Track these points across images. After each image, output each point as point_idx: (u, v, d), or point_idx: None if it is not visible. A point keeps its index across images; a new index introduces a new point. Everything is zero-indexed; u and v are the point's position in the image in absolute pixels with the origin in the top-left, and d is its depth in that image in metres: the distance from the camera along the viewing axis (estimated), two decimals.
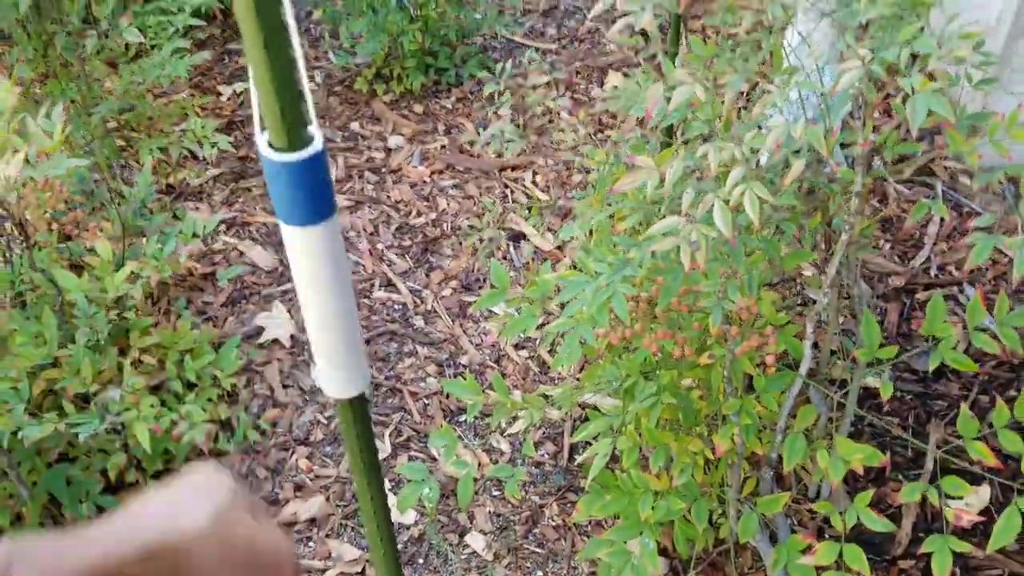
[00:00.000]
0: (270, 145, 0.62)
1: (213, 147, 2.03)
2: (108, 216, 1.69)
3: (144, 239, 1.71)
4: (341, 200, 2.34)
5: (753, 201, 0.85)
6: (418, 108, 2.61)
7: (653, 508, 1.16)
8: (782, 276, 1.68)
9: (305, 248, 0.65)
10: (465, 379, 1.38)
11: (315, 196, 0.63)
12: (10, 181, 1.30)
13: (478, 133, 2.51)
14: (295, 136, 0.60)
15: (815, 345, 1.17)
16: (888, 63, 0.87)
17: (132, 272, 1.55)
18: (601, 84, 2.65)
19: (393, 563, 0.93)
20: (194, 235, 1.71)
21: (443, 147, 2.47)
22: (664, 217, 0.89)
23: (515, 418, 1.34)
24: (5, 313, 1.44)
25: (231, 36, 2.91)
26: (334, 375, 0.75)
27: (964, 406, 1.08)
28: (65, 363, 1.45)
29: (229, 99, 2.68)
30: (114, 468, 1.54)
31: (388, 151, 2.49)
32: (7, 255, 1.53)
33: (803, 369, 1.17)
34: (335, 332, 0.72)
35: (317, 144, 0.61)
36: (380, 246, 2.22)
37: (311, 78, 2.78)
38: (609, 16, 2.99)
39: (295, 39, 0.59)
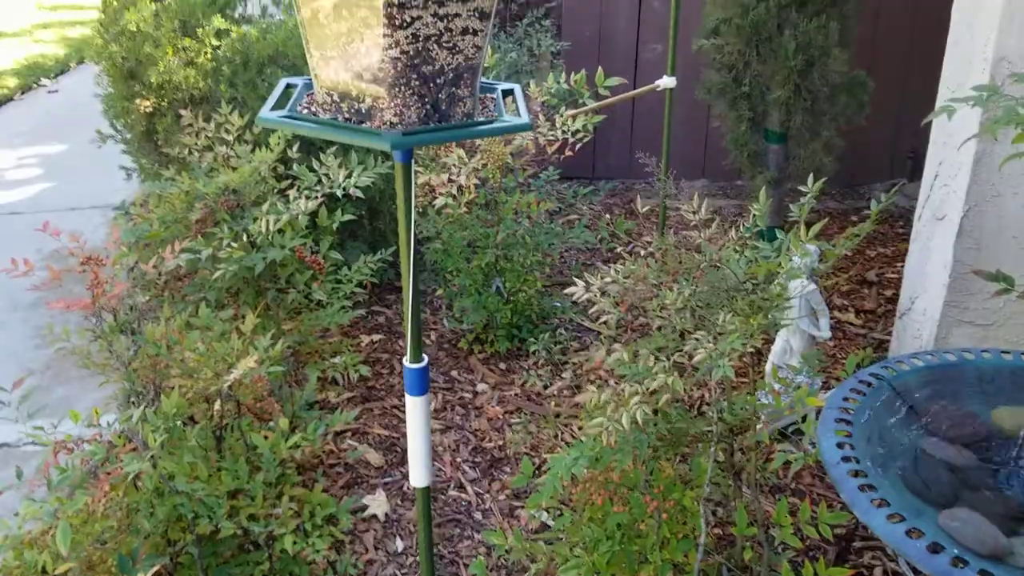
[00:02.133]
0: (409, 362, 1.48)
1: (357, 372, 2.93)
2: (283, 409, 2.57)
3: (304, 426, 2.57)
4: (435, 424, 3.18)
5: (642, 414, 1.65)
6: (502, 365, 3.49)
7: None
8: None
9: (413, 406, 1.48)
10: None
11: (421, 384, 1.45)
12: (242, 375, 2.19)
13: (544, 389, 3.35)
14: (416, 358, 1.45)
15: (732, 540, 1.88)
16: (720, 351, 1.67)
17: (295, 443, 2.39)
18: None
19: None
20: (341, 422, 2.56)
21: (516, 395, 3.32)
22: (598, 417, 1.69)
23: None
24: (215, 455, 2.29)
25: (375, 301, 3.94)
26: (416, 472, 1.54)
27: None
28: (246, 494, 2.26)
29: (367, 344, 3.65)
30: (260, 572, 2.30)
31: (475, 393, 3.35)
32: (221, 420, 2.41)
33: (700, 540, 1.87)
34: (419, 450, 1.53)
35: (424, 363, 1.45)
36: (458, 460, 3.01)
37: (428, 336, 3.74)
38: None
39: (419, 320, 1.46)
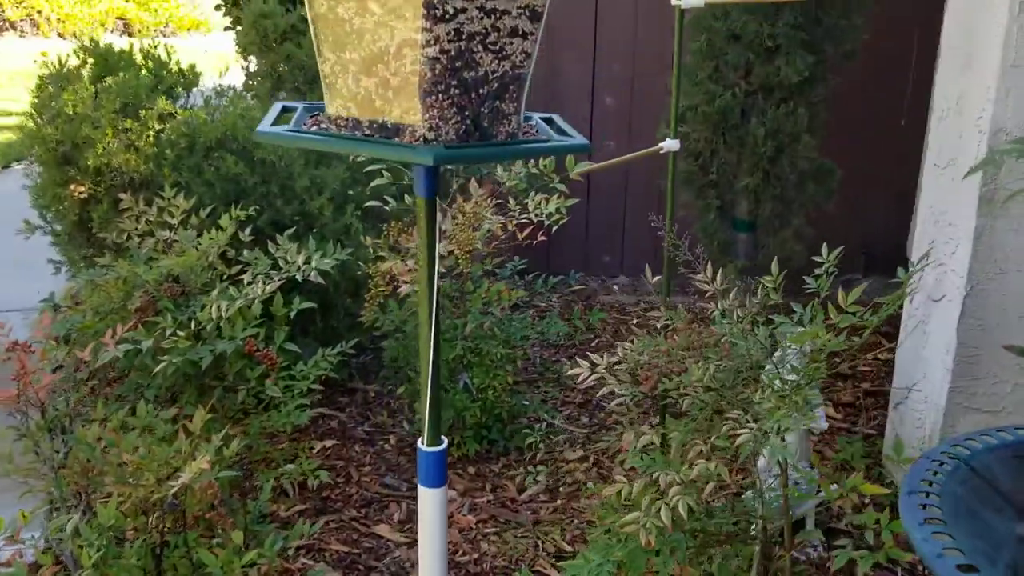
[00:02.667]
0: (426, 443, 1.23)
1: (317, 478, 2.62)
2: (235, 522, 2.24)
3: (257, 541, 2.24)
4: (400, 537, 2.85)
5: (683, 505, 1.41)
6: (471, 469, 3.20)
7: None
8: None
9: (430, 501, 1.22)
10: None
11: (439, 472, 1.20)
12: (193, 479, 1.89)
13: (518, 494, 3.07)
14: (434, 440, 1.20)
15: None
16: (764, 430, 1.46)
17: (251, 561, 2.06)
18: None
19: None
20: (301, 535, 2.23)
21: (489, 501, 3.03)
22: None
23: None
24: None
25: (326, 403, 3.63)
26: None
27: None
28: None
29: (319, 451, 3.32)
30: None
31: None
32: (162, 535, 2.08)
33: None
34: (435, 559, 1.26)
35: (443, 446, 1.21)
36: None
37: (387, 440, 3.44)
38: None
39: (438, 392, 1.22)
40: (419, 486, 1.20)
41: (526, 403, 3.39)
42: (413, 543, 2.83)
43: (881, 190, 4.67)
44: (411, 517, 2.96)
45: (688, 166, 3.56)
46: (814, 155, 3.35)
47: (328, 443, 3.40)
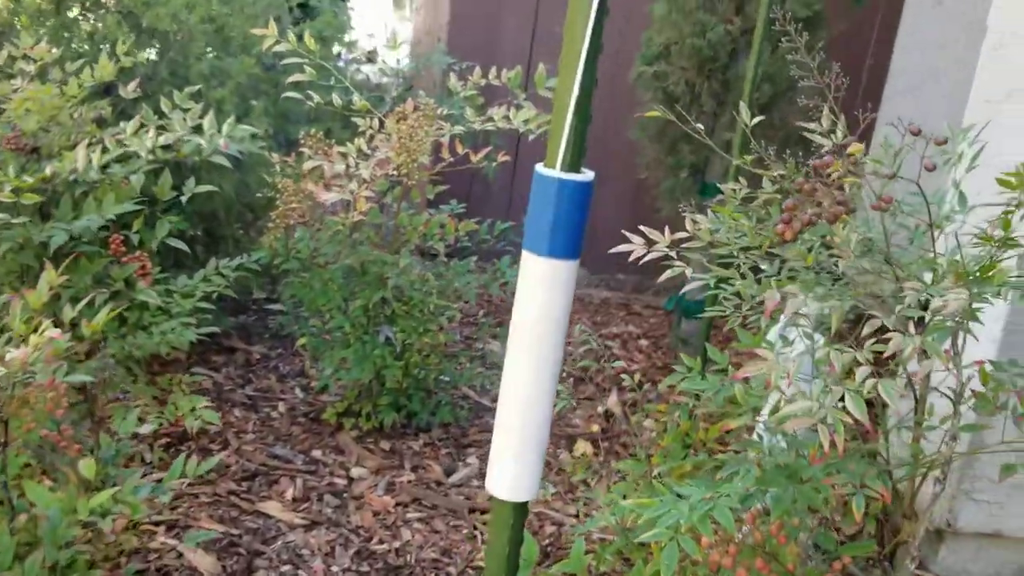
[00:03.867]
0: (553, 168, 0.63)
1: (197, 419, 1.93)
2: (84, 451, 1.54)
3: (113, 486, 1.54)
4: (296, 518, 2.18)
5: (888, 391, 0.86)
6: (385, 445, 2.56)
7: None
8: None
9: (553, 274, 0.62)
10: None
11: (577, 227, 0.61)
12: (32, 360, 1.20)
13: (446, 476, 2.45)
14: (576, 164, 0.61)
15: None
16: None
17: (103, 506, 1.37)
18: (569, 451, 2.67)
19: None
20: (183, 475, 1.55)
21: (410, 482, 2.39)
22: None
23: None
24: None
25: (197, 362, 2.92)
26: (516, 473, 0.66)
27: None
28: None
29: None
30: None
31: (350, 479, 2.38)
32: None
33: None
34: (536, 418, 0.66)
35: (590, 177, 0.62)
36: (335, 568, 2.02)
37: (274, 407, 2.74)
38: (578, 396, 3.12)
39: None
40: (526, 254, 0.61)
41: (446, 378, 2.77)
42: (311, 525, 2.16)
43: None
44: (308, 495, 2.29)
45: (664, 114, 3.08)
46: None
47: (200, 404, 2.67)
